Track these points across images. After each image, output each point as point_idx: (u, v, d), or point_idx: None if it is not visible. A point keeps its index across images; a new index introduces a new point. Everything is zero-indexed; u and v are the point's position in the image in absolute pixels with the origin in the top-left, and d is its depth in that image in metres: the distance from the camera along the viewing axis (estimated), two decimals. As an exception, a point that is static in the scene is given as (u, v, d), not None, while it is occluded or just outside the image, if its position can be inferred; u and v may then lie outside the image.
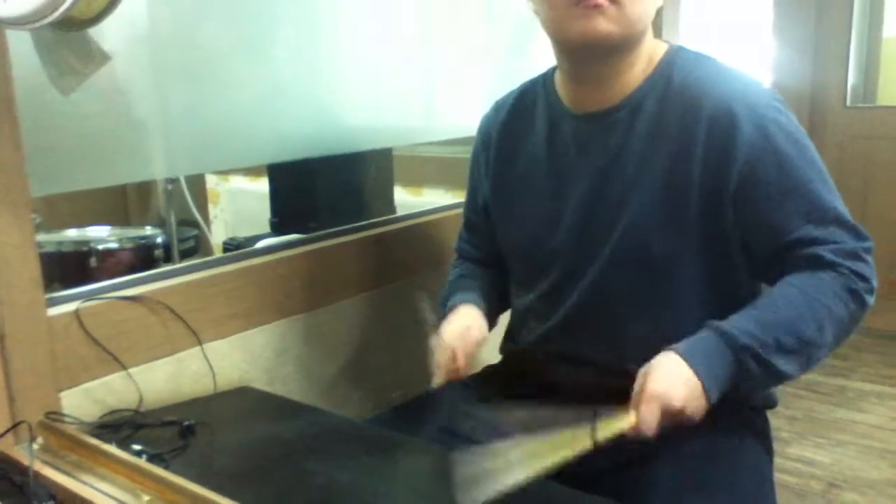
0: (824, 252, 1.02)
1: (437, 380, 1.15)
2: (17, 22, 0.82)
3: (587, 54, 1.09)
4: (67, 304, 1.18)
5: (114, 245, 2.13)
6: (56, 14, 0.79)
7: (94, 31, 1.03)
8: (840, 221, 1.04)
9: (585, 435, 0.97)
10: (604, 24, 1.03)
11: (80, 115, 1.19)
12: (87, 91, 1.07)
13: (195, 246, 2.50)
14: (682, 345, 0.99)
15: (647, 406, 0.95)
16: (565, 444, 0.99)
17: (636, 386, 0.98)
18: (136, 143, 1.32)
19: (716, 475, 1.07)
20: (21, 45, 1.03)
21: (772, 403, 1.20)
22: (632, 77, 1.11)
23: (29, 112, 1.08)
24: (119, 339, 1.21)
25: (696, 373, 0.96)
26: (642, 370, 0.98)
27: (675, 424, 0.96)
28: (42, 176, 1.13)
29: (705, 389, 0.96)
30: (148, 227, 2.40)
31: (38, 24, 0.82)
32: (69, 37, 0.95)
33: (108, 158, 1.27)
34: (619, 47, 1.07)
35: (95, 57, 0.97)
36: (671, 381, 0.96)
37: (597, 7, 1.01)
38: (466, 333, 1.18)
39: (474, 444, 1.18)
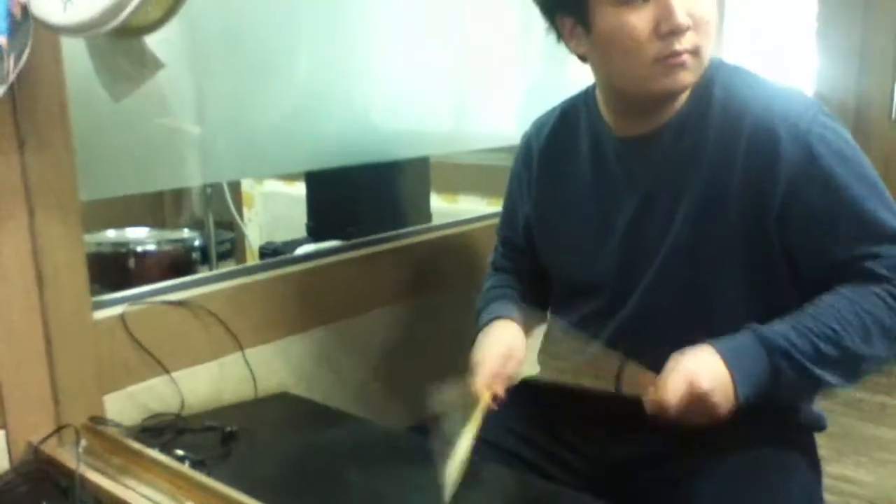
0: (876, 266, 0.99)
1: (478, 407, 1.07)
2: (76, 30, 0.83)
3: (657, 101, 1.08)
4: (113, 308, 1.19)
5: (152, 247, 2.15)
6: (115, 22, 0.80)
7: (147, 39, 1.04)
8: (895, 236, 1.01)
9: (610, 378, 1.01)
10: (686, 78, 1.02)
11: (128, 121, 1.20)
12: (136, 98, 1.07)
13: (231, 249, 2.52)
14: (717, 341, 0.99)
15: (673, 378, 0.96)
16: (589, 375, 1.03)
17: (666, 367, 0.98)
18: (181, 149, 1.33)
19: (764, 494, 1.05)
20: (74, 50, 1.05)
21: (821, 425, 1.17)
22: (678, 100, 1.09)
23: (79, 117, 1.09)
24: (162, 343, 1.22)
25: (728, 365, 0.96)
26: (674, 355, 0.99)
27: (700, 413, 0.95)
28: (90, 180, 1.15)
29: (735, 383, 0.95)
30: (185, 230, 2.42)
31: (96, 32, 0.82)
32: (124, 44, 0.95)
33: (153, 164, 1.29)
34: None
35: (149, 64, 0.97)
36: (701, 364, 0.96)
37: (682, 64, 1.00)
38: (507, 360, 1.12)
39: (513, 457, 1.18)
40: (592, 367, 1.03)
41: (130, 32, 0.91)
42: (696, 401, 0.95)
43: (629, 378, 1.01)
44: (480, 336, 1.17)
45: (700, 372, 0.95)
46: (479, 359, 1.12)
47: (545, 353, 1.32)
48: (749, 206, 1.03)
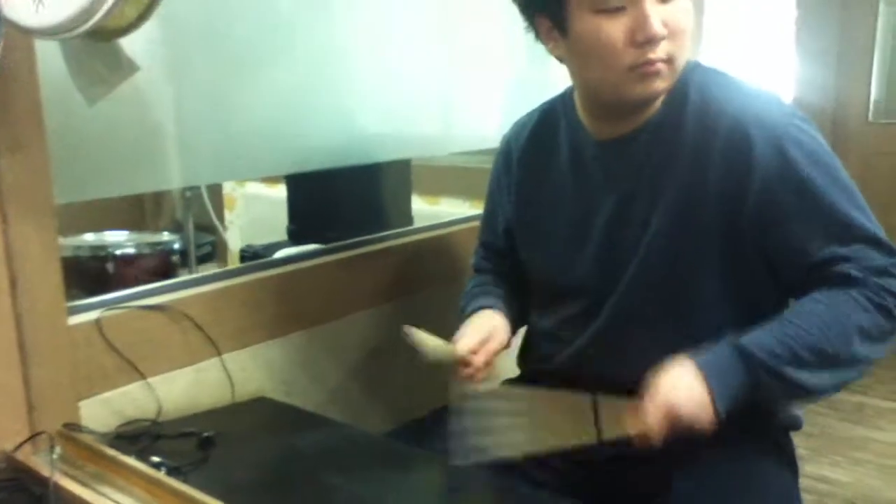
0: (851, 269, 1.00)
1: (457, 388, 1.11)
2: (49, 32, 0.82)
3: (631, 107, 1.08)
4: (88, 313, 1.18)
5: (131, 251, 2.13)
6: (88, 24, 0.79)
7: (122, 41, 1.03)
8: (868, 238, 1.01)
9: (591, 429, 0.99)
10: (660, 85, 1.03)
11: (105, 123, 1.19)
12: (113, 100, 1.06)
13: (211, 252, 2.51)
14: (697, 356, 0.99)
15: (655, 415, 0.95)
16: (568, 432, 1.00)
17: (646, 391, 0.98)
18: (160, 152, 1.32)
19: (742, 494, 1.05)
20: (48, 52, 1.03)
21: (796, 425, 1.18)
22: (654, 104, 1.09)
23: (55, 120, 1.08)
24: (139, 348, 1.21)
25: (708, 386, 0.96)
26: (654, 376, 0.98)
27: (681, 432, 0.96)
28: (66, 183, 1.13)
29: (714, 404, 0.95)
30: (165, 233, 2.40)
31: (69, 35, 0.81)
32: (98, 46, 0.94)
33: (131, 167, 1.27)
34: None
35: (124, 67, 0.96)
36: (681, 392, 0.96)
37: (656, 73, 1.01)
38: (488, 338, 1.14)
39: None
40: (568, 420, 1.02)
41: (104, 35, 0.90)
42: (677, 425, 0.95)
43: (607, 417, 1.00)
44: (462, 326, 1.18)
45: (678, 397, 0.95)
46: (461, 334, 1.14)
47: (524, 356, 1.32)
48: (725, 209, 1.04)
